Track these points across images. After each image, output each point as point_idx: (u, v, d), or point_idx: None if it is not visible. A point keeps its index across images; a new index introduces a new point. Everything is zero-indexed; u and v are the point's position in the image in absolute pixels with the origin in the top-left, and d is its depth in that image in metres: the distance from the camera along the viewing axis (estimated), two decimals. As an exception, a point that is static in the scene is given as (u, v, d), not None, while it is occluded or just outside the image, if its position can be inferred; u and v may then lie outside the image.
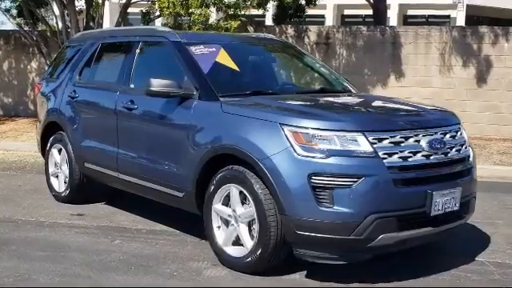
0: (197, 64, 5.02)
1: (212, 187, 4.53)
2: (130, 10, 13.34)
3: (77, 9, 12.30)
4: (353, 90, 5.60)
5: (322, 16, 27.16)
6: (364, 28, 12.56)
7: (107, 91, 5.80)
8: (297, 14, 14.31)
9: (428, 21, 26.42)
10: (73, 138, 6.23)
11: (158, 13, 12.67)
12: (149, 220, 5.81)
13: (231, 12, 10.04)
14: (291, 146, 4.03)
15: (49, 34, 13.76)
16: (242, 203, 4.38)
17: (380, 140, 4.04)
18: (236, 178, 4.34)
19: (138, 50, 5.62)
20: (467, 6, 25.41)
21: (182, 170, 4.80)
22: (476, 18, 26.16)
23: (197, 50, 5.17)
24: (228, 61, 5.16)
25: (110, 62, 6.16)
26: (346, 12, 28.01)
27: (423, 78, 12.28)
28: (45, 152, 6.87)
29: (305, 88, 5.44)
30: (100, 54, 6.24)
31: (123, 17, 12.66)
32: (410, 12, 27.22)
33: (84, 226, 5.66)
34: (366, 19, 25.29)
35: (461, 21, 25.44)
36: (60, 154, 6.60)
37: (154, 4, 12.88)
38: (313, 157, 3.97)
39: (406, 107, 4.86)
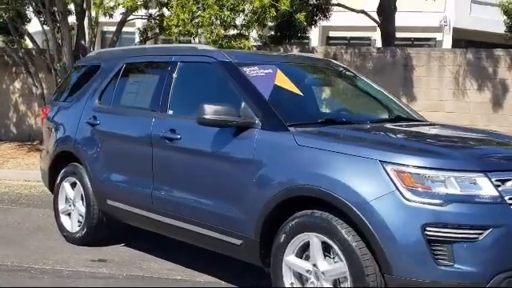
0: (255, 88, 4.29)
1: (283, 236, 3.78)
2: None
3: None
4: (423, 118, 4.93)
5: (307, 37, 26.67)
6: (374, 49, 12.01)
7: (138, 118, 5.03)
8: (297, 35, 13.65)
9: (413, 43, 26.14)
10: (92, 171, 5.40)
11: (156, 30, 11.90)
12: (187, 268, 5.00)
13: (243, 31, 9.33)
14: (397, 188, 3.31)
15: (34, 52, 12.88)
16: (324, 256, 3.63)
17: (504, 181, 3.35)
18: (318, 226, 3.60)
19: (175, 72, 4.86)
20: (453, 28, 25.23)
21: (241, 214, 4.04)
22: (463, 41, 26.00)
23: (251, 72, 4.45)
24: (288, 84, 4.45)
25: (138, 84, 5.38)
26: (332, 34, 27.57)
27: (436, 102, 11.75)
28: (53, 186, 6.02)
29: (378, 116, 4.74)
30: (125, 75, 5.46)
31: (118, 35, 11.85)
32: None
33: (111, 276, 4.83)
34: (351, 41, 24.95)
35: (447, 44, 25.21)
36: (74, 188, 5.77)
37: (151, 22, 12.13)
38: (426, 203, 3.25)
39: (508, 140, 4.18)
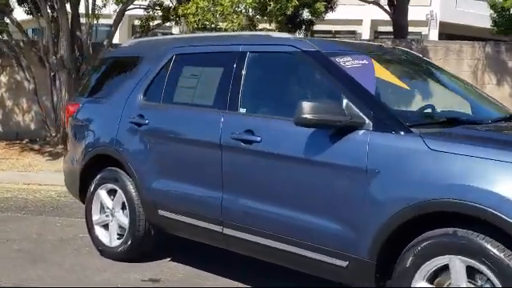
0: (357, 81, 3.66)
1: (411, 259, 3.18)
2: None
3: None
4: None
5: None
6: (389, 42, 11.46)
7: (200, 118, 4.36)
8: (301, 28, 13.04)
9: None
10: (140, 177, 4.70)
11: (158, 21, 11.14)
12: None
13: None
14: None
15: (22, 44, 11.97)
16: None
17: None
18: (464, 248, 3.00)
19: (245, 63, 4.19)
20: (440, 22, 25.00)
21: (349, 231, 3.43)
22: (446, 35, 25.79)
23: (346, 63, 3.81)
24: (390, 77, 3.84)
25: (194, 78, 4.70)
26: (316, 28, 27.04)
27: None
28: (83, 193, 5.30)
29: (494, 114, 4.14)
30: (176, 67, 4.76)
31: (116, 25, 11.05)
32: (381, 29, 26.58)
33: (174, 301, 4.16)
34: (336, 35, 24.56)
35: (433, 38, 24.95)
36: (112, 196, 5.06)
37: (150, 12, 11.35)
38: None
39: None
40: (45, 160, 9.91)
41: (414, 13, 25.13)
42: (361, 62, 3.88)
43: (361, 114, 3.46)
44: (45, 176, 8.99)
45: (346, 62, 3.81)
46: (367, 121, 3.44)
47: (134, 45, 5.49)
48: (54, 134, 10.72)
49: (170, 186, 4.50)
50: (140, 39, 6.14)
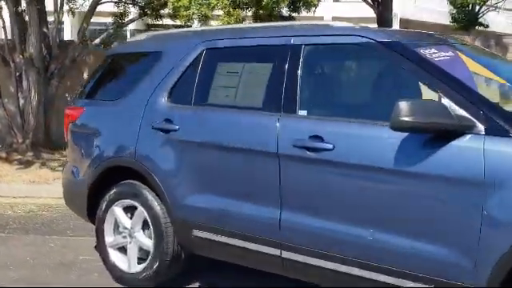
0: (455, 77, 3.10)
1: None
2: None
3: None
4: None
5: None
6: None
7: (247, 122, 3.73)
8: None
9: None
10: (168, 192, 4.03)
11: (131, 16, 10.35)
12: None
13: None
14: None
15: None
16: None
17: None
18: None
19: (300, 58, 3.58)
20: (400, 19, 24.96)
21: (460, 256, 2.88)
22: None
23: (433, 56, 3.26)
24: (485, 71, 3.29)
25: (233, 76, 4.04)
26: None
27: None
28: (93, 211, 4.58)
29: None
30: (207, 64, 4.10)
31: (88, 20, 10.19)
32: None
33: None
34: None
35: (394, 34, 24.85)
36: (130, 214, 4.37)
37: (123, 6, 10.54)
38: None
39: None
40: (14, 169, 8.99)
41: (353, 10, 25.03)
42: (447, 53, 3.35)
43: (469, 115, 2.91)
44: (19, 188, 8.11)
45: (433, 55, 3.26)
46: (478, 123, 2.88)
47: (150, 39, 4.77)
48: (21, 141, 9.79)
49: (210, 203, 3.84)
50: (158, 32, 5.39)
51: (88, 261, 5.06)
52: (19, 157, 9.46)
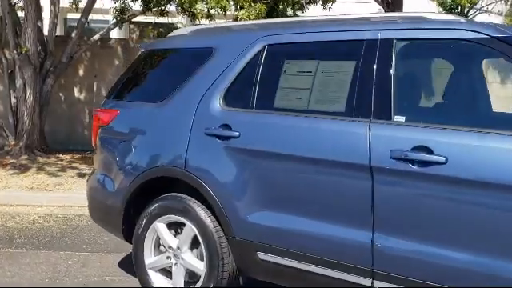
0: None
1: None
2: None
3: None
4: None
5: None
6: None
7: (328, 129, 3.22)
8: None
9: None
10: (227, 208, 3.52)
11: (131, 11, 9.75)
12: None
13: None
14: None
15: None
16: None
17: None
18: None
19: (393, 55, 3.10)
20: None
21: None
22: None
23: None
24: None
25: (305, 75, 3.51)
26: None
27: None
28: (129, 228, 4.04)
29: None
30: (271, 61, 3.59)
31: (87, 15, 9.56)
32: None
33: None
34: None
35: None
36: (174, 231, 3.84)
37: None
38: None
39: None
40: (9, 174, 8.34)
41: (361, 10, 24.77)
42: None
43: None
44: (17, 195, 7.48)
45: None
46: None
47: (197, 33, 4.22)
48: (13, 143, 9.13)
49: (281, 222, 3.34)
50: (206, 26, 4.82)
51: (116, 282, 4.51)
52: (12, 160, 8.81)
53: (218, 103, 3.67)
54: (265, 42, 3.62)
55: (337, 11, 14.12)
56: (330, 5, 9.59)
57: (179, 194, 3.80)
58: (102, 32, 9.72)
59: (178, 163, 3.73)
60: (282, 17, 8.90)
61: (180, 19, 10.01)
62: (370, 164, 3.00)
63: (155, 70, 4.26)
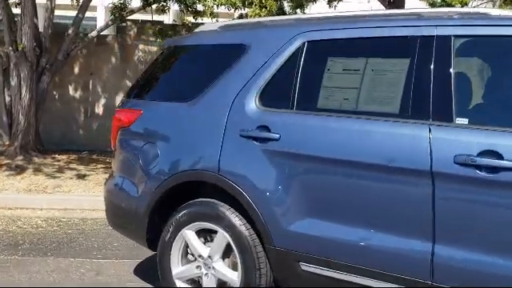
0: None
1: None
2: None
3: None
4: None
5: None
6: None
7: (380, 131, 3.00)
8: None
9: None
10: (266, 215, 3.30)
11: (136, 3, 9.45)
12: None
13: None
14: None
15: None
16: None
17: None
18: None
19: (452, 53, 2.89)
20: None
21: None
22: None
23: None
24: None
25: (351, 74, 3.28)
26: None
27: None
28: (154, 236, 3.79)
29: None
30: (311, 59, 3.37)
31: (84, 11, 9.26)
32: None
33: None
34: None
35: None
36: (203, 239, 3.61)
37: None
38: None
39: None
40: (5, 176, 8.02)
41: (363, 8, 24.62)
42: None
43: None
44: (15, 197, 7.20)
45: None
46: None
47: (227, 29, 3.97)
48: (8, 143, 8.81)
49: (328, 231, 3.12)
50: (236, 22, 4.55)
51: (137, 291, 4.27)
52: (7, 161, 8.49)
53: (253, 103, 3.44)
54: (304, 38, 3.40)
55: (340, 9, 13.88)
56: (335, 3, 9.37)
57: (211, 200, 3.57)
58: (98, 28, 9.41)
59: (210, 167, 3.49)
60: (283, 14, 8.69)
61: (171, 16, 9.71)
62: (432, 169, 2.79)
63: (181, 67, 4.01)
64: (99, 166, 8.88)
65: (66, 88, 10.23)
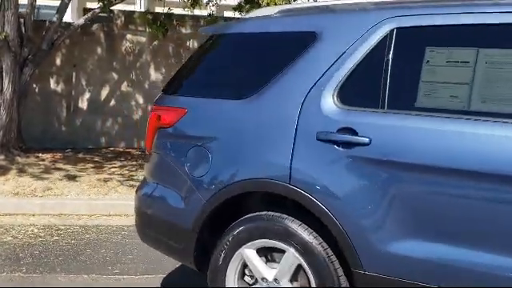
0: None
1: None
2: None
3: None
4: None
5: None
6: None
7: (505, 134, 2.53)
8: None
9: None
10: (353, 233, 2.79)
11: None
12: None
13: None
14: None
15: None
16: None
17: None
18: None
19: None
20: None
21: None
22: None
23: None
24: None
25: (459, 67, 2.78)
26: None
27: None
28: (203, 254, 3.27)
29: None
30: (403, 48, 2.88)
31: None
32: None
33: None
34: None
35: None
36: (268, 259, 3.09)
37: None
38: None
39: None
40: (-14, 177, 7.31)
41: None
42: None
43: None
44: (2, 202, 6.52)
45: None
46: None
47: (289, 14, 3.42)
48: (-15, 141, 8.08)
49: (444, 254, 2.62)
50: (299, 5, 3.97)
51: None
52: (-12, 161, 7.76)
53: (332, 101, 2.93)
54: (393, 24, 2.90)
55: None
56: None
57: (276, 214, 3.04)
58: (86, 16, 8.72)
59: (278, 176, 2.97)
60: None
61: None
62: None
63: (232, 59, 3.46)
64: (88, 165, 8.22)
65: (46, 81, 9.49)
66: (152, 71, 9.78)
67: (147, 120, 3.61)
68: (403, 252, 2.70)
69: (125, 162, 8.57)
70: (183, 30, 9.70)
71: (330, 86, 2.96)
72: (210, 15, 9.36)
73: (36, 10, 8.94)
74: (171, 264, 4.42)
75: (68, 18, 10.12)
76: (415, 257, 2.68)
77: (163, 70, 9.78)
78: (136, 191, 3.76)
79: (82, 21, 8.72)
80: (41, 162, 8.07)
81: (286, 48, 3.21)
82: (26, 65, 8.19)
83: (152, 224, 3.58)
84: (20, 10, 8.01)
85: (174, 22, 9.38)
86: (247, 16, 3.63)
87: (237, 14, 8.60)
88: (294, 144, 2.96)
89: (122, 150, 9.65)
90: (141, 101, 9.79)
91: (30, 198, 6.68)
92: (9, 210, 6.37)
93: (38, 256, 4.85)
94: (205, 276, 3.27)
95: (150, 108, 9.66)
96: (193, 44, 9.76)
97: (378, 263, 2.76)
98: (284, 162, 2.96)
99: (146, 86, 9.79)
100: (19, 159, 7.90)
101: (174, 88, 3.60)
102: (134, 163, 8.52)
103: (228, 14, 10.05)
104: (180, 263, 4.24)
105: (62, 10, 8.45)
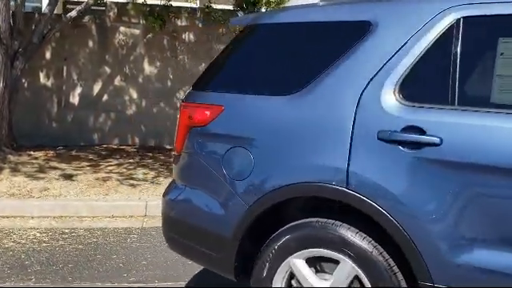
0: None
1: None
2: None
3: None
4: None
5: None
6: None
7: None
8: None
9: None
10: (419, 242, 2.55)
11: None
12: None
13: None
14: None
15: None
16: None
17: None
18: None
19: None
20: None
21: None
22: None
23: None
24: None
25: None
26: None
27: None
28: (243, 264, 3.01)
29: None
30: (472, 39, 2.64)
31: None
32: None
33: None
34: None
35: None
36: (317, 270, 2.84)
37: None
38: None
39: None
40: (-23, 177, 6.93)
41: None
42: None
43: None
44: (-1, 204, 6.14)
45: None
46: None
47: (340, 2, 3.15)
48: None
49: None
50: None
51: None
52: (-22, 159, 7.37)
53: (392, 97, 2.68)
54: (459, 12, 2.66)
55: None
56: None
57: (330, 221, 2.78)
58: (79, 8, 8.34)
59: (334, 179, 2.71)
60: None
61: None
62: None
63: (273, 52, 3.17)
64: (83, 163, 7.87)
65: (36, 75, 9.09)
66: (146, 65, 9.43)
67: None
68: (478, 263, 2.46)
69: (121, 160, 8.23)
70: (179, 23, 9.36)
71: (390, 81, 2.70)
72: (207, 7, 9.05)
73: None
74: (190, 269, 4.17)
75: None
76: (493, 268, 2.44)
77: (158, 64, 9.44)
78: (163, 195, 3.46)
79: (74, 13, 8.33)
80: (34, 161, 7.69)
81: (335, 39, 2.95)
82: (16, 58, 7.81)
83: (183, 231, 3.29)
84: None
85: (169, 13, 9.04)
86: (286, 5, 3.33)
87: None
88: (350, 145, 2.71)
89: (115, 147, 9.30)
90: (134, 96, 9.44)
91: (26, 199, 6.33)
92: (5, 212, 6.02)
93: (46, 263, 4.53)
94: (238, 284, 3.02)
95: (144, 103, 9.40)
96: (188, 37, 9.43)
97: (449, 275, 2.52)
98: (340, 165, 2.70)
99: (140, 80, 9.44)
100: (11, 158, 7.52)
101: (205, 83, 3.31)
102: (131, 161, 8.19)
103: (226, 6, 9.72)
104: (202, 268, 3.99)
105: (52, 1, 8.05)
